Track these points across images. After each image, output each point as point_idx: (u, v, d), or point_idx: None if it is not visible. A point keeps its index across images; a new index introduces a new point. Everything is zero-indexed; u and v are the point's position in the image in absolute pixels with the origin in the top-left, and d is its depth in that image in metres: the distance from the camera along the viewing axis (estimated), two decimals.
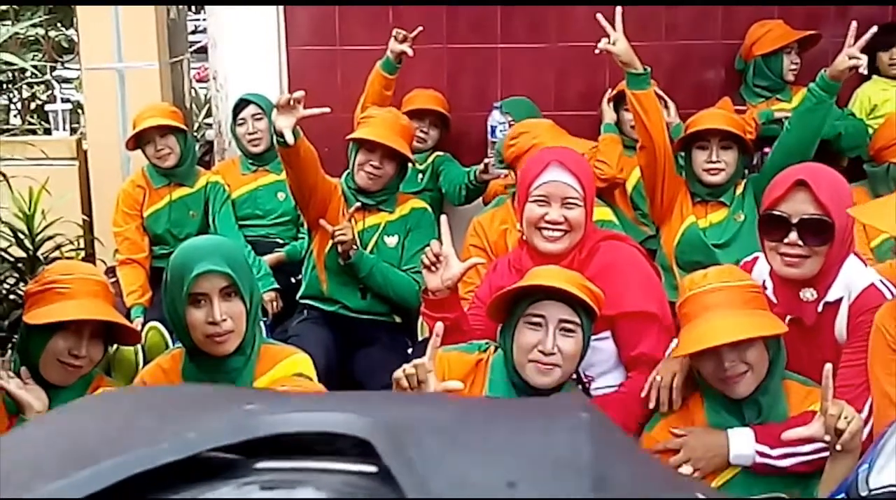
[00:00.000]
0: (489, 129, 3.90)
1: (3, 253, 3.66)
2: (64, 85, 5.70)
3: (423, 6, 4.14)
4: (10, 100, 5.64)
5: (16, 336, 2.69)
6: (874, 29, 3.18)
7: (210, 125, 5.00)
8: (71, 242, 3.96)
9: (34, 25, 5.23)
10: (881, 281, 2.31)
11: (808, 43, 4.05)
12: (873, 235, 3.22)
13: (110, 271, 3.86)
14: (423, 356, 2.10)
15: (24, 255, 3.73)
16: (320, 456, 0.66)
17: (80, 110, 5.15)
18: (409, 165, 3.46)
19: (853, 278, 2.32)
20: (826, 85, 3.08)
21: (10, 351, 2.87)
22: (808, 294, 2.33)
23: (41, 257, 3.71)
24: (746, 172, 3.49)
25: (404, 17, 4.06)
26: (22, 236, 3.73)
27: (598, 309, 2.28)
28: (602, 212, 3.29)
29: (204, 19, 5.55)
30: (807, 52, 4.06)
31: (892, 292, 2.28)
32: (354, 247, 3.27)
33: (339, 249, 3.25)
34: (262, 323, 2.85)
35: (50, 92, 5.58)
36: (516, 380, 2.28)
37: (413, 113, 3.91)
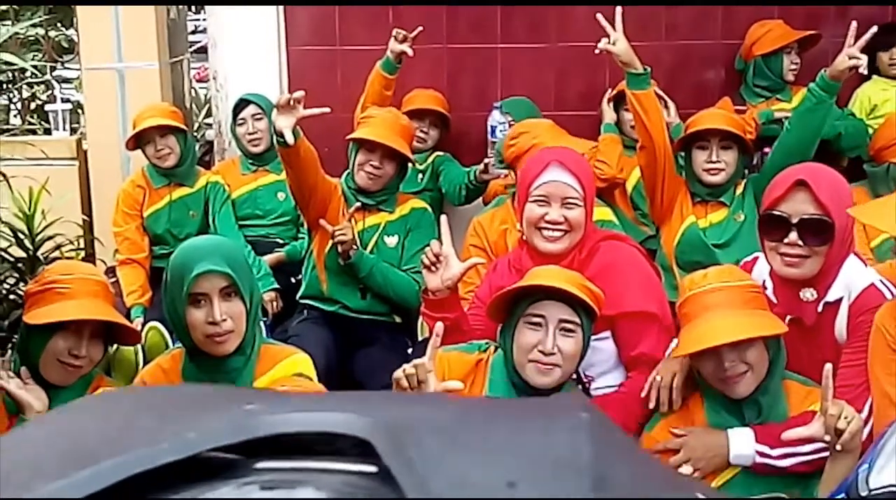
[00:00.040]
0: (489, 129, 3.90)
1: (3, 253, 3.66)
2: (64, 85, 5.71)
3: (423, 6, 4.14)
4: (10, 100, 5.64)
5: (16, 336, 2.69)
6: (874, 29, 3.18)
7: (210, 125, 5.00)
8: (71, 243, 3.95)
9: (34, 25, 5.23)
10: (881, 281, 2.31)
11: (808, 43, 4.05)
12: (873, 235, 3.23)
13: (110, 271, 3.86)
14: (423, 356, 2.10)
15: (24, 255, 3.73)
16: (320, 456, 0.66)
17: (80, 110, 5.15)
18: (409, 165, 3.46)
19: (853, 278, 2.32)
20: (826, 85, 3.08)
21: (10, 351, 2.87)
22: (808, 294, 2.33)
23: (41, 257, 3.71)
24: (746, 172, 3.49)
25: (404, 17, 4.06)
26: (22, 236, 3.73)
27: (598, 309, 2.28)
28: (602, 212, 3.29)
29: (204, 19, 5.55)
30: (807, 52, 4.06)
31: (892, 292, 2.28)
32: (354, 247, 3.27)
33: (339, 249, 3.25)
34: (262, 323, 2.85)
35: (50, 92, 5.59)
36: (516, 380, 2.28)
37: (413, 113, 3.91)
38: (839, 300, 2.32)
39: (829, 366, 1.97)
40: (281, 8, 4.25)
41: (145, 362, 2.96)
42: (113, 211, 3.96)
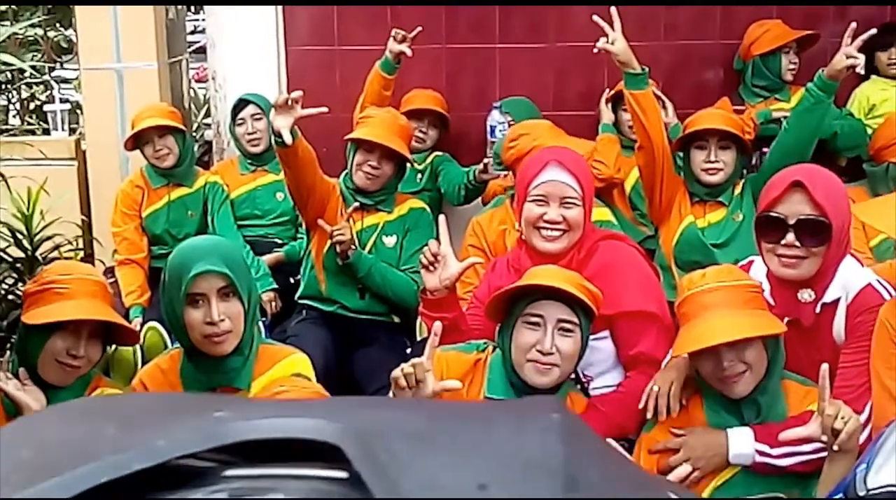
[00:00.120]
0: (489, 129, 3.91)
1: (1, 253, 3.67)
2: (63, 85, 5.69)
3: (422, 6, 4.14)
4: (8, 100, 5.63)
5: (14, 337, 2.70)
6: (873, 31, 3.18)
7: (209, 125, 5.00)
8: (70, 243, 3.96)
9: (33, 26, 5.22)
10: (878, 281, 2.32)
11: (806, 43, 4.05)
12: (872, 235, 3.22)
13: (109, 272, 3.86)
14: (422, 356, 2.10)
15: (22, 255, 3.74)
16: (291, 463, 0.66)
17: (78, 111, 5.14)
18: (408, 165, 3.46)
19: (850, 278, 2.32)
20: (824, 85, 3.08)
21: (8, 352, 2.87)
22: (806, 295, 2.33)
23: (40, 258, 3.72)
24: (745, 171, 3.49)
25: (403, 18, 4.06)
26: (20, 237, 3.74)
27: (597, 309, 2.28)
28: (601, 212, 3.30)
29: (203, 19, 5.54)
30: (805, 51, 4.06)
31: (889, 292, 2.28)
32: (353, 247, 3.27)
33: (338, 249, 3.25)
34: (260, 323, 2.86)
35: (49, 92, 5.57)
36: (515, 380, 2.28)
37: (412, 113, 3.91)
38: (837, 301, 2.32)
39: (825, 366, 1.98)
40: (280, 8, 4.25)
41: (144, 363, 2.96)
42: (112, 211, 3.95)
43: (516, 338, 2.25)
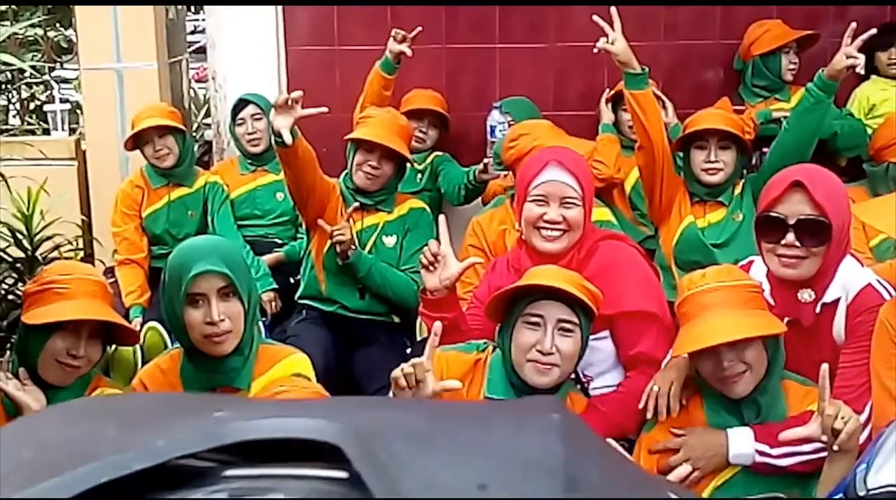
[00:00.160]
0: (489, 129, 3.91)
1: (1, 253, 3.67)
2: (63, 85, 5.70)
3: (422, 6, 4.14)
4: (8, 100, 5.63)
5: (14, 337, 2.69)
6: (873, 31, 3.18)
7: (209, 125, 5.00)
8: (70, 243, 3.96)
9: (33, 26, 5.22)
10: (878, 281, 2.32)
11: (806, 43, 4.05)
12: (872, 235, 3.22)
13: (109, 272, 3.86)
14: (422, 356, 2.10)
15: (22, 255, 3.74)
16: (291, 463, 0.66)
17: (78, 111, 5.14)
18: (408, 165, 3.46)
19: (850, 278, 2.32)
20: (824, 84, 3.08)
21: (8, 352, 2.87)
22: (806, 295, 2.33)
23: (40, 258, 3.72)
24: (745, 171, 3.49)
25: (403, 18, 4.06)
26: (20, 237, 3.74)
27: (597, 309, 2.28)
28: (601, 212, 3.30)
29: (203, 19, 5.54)
30: (805, 51, 4.06)
31: (889, 292, 2.28)
32: (353, 247, 3.27)
33: (338, 249, 3.25)
34: (260, 323, 2.86)
35: (49, 92, 5.57)
36: (515, 380, 2.28)
37: (412, 113, 3.91)
38: (837, 301, 2.32)
39: (825, 366, 1.98)
40: (280, 8, 4.25)
41: (144, 363, 2.96)
42: (112, 211, 3.95)
43: (516, 338, 2.25)
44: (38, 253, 3.76)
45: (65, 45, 5.79)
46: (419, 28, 3.75)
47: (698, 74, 4.30)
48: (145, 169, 3.95)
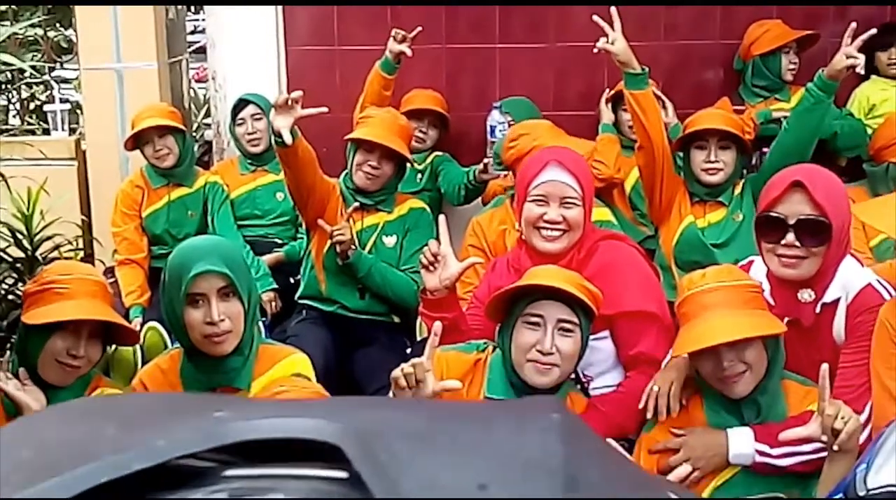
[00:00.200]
0: (489, 128, 3.91)
1: (1, 253, 3.67)
2: (63, 85, 5.70)
3: (422, 6, 4.14)
4: (8, 100, 5.63)
5: (14, 337, 2.70)
6: (873, 31, 3.18)
7: (209, 125, 5.00)
8: (70, 243, 3.96)
9: (33, 26, 5.22)
10: (878, 281, 2.31)
11: (806, 43, 4.05)
12: (872, 235, 3.22)
13: (109, 272, 3.86)
14: (422, 356, 2.10)
15: (22, 255, 3.74)
16: (291, 463, 0.66)
17: (78, 111, 5.14)
18: (408, 165, 3.46)
19: (850, 278, 2.32)
20: (824, 84, 3.08)
21: (8, 352, 2.87)
22: (806, 295, 2.33)
23: (40, 258, 3.72)
24: (745, 171, 3.49)
25: (403, 18, 4.06)
26: (20, 237, 3.74)
27: (597, 309, 2.28)
28: (601, 212, 3.30)
29: (203, 19, 5.54)
30: (805, 51, 4.06)
31: (889, 292, 2.28)
32: (353, 247, 3.27)
33: (338, 249, 3.25)
34: (260, 323, 2.85)
35: (49, 92, 5.57)
36: (515, 380, 2.28)
37: (412, 113, 3.91)
38: (837, 301, 2.32)
39: (825, 366, 1.98)
40: (280, 8, 4.25)
41: (144, 363, 2.96)
42: (112, 211, 3.96)
43: (516, 338, 2.25)
44: (38, 253, 3.76)
45: (65, 45, 5.79)
46: (419, 28, 3.75)
47: (698, 74, 4.30)
48: (145, 169, 3.95)
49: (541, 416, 0.75)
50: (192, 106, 5.45)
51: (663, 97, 3.82)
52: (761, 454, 2.14)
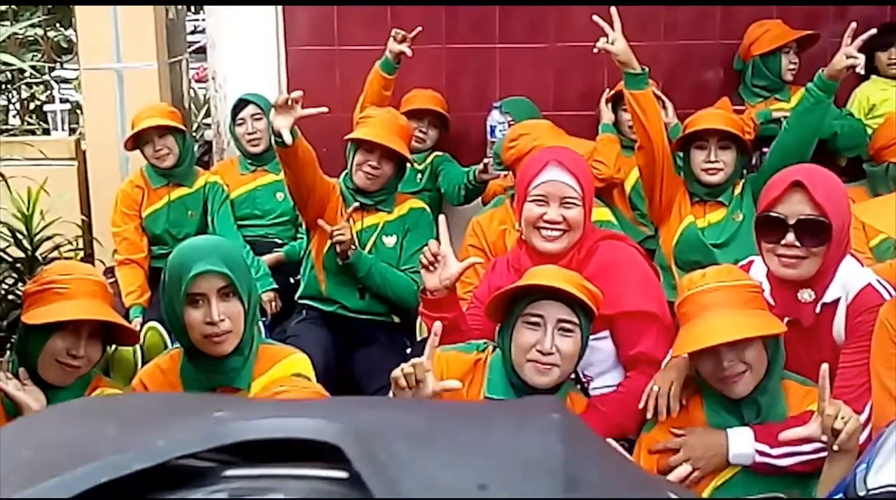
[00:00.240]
0: (489, 128, 3.91)
1: (1, 253, 3.67)
2: (63, 85, 5.70)
3: (422, 6, 4.14)
4: (8, 100, 5.63)
5: (14, 337, 2.69)
6: (873, 31, 3.18)
7: (209, 125, 5.00)
8: (70, 243, 3.96)
9: (33, 26, 5.22)
10: (878, 281, 2.31)
11: (806, 43, 4.05)
12: (872, 235, 3.23)
13: (109, 272, 3.86)
14: (422, 356, 2.10)
15: (22, 255, 3.74)
16: (291, 463, 0.66)
17: (78, 111, 5.14)
18: (408, 165, 3.46)
19: (850, 278, 2.32)
20: (824, 84, 3.08)
21: (8, 352, 2.87)
22: (806, 295, 2.33)
23: (40, 258, 3.72)
24: (745, 171, 3.49)
25: (403, 18, 4.06)
26: (20, 237, 3.74)
27: (597, 309, 2.28)
28: (601, 212, 3.30)
29: (203, 19, 5.54)
30: (805, 51, 4.06)
31: (889, 292, 2.28)
32: (353, 247, 3.27)
33: (338, 249, 3.25)
34: (260, 323, 2.85)
35: (49, 92, 5.58)
36: (515, 380, 2.28)
37: (412, 113, 3.91)
38: (837, 301, 2.32)
39: (825, 366, 1.97)
40: (280, 8, 4.25)
41: (144, 363, 2.96)
42: (112, 211, 3.96)
43: (516, 338, 2.25)
44: (38, 253, 3.76)
45: (65, 45, 5.79)
46: (419, 28, 3.75)
47: (698, 74, 4.30)
48: (145, 169, 3.95)
49: (541, 416, 0.75)
50: (192, 106, 5.45)
51: (663, 97, 3.82)
52: (761, 454, 2.14)
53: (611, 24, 3.06)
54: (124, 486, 0.63)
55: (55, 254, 3.82)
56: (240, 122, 4.07)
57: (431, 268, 2.53)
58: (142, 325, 3.48)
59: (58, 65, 5.45)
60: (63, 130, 4.94)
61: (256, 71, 4.25)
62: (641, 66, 3.08)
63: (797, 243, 2.26)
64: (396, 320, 3.46)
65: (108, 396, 2.18)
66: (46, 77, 5.48)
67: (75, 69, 4.91)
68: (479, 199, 3.93)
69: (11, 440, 0.77)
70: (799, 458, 2.12)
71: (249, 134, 4.05)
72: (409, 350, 3.10)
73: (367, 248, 3.36)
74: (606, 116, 3.99)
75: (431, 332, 2.19)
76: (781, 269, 2.30)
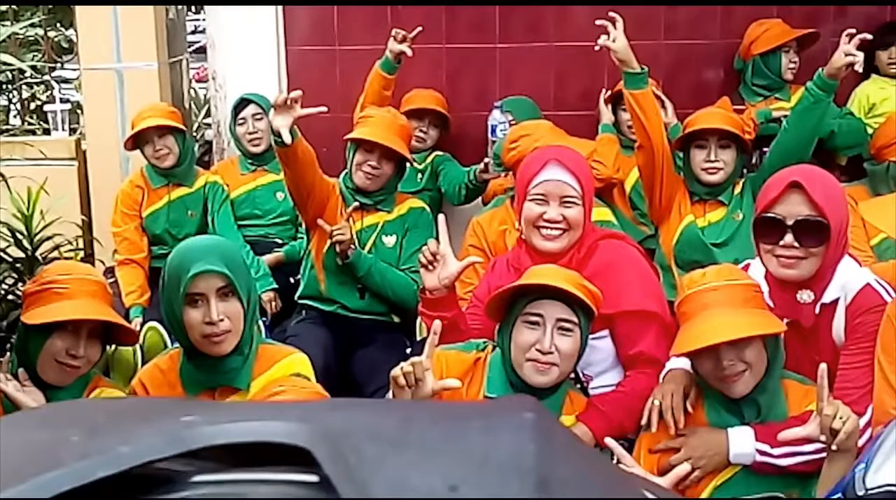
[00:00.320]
0: (489, 128, 3.90)
1: (1, 253, 3.67)
2: (63, 85, 5.70)
3: (422, 6, 4.14)
4: (9, 100, 5.63)
5: (14, 337, 2.69)
6: (868, 36, 3.17)
7: (209, 125, 5.00)
8: (70, 243, 3.96)
9: (33, 25, 5.22)
10: (876, 281, 2.31)
11: (806, 42, 4.04)
12: (873, 233, 3.22)
13: (109, 272, 3.86)
14: (421, 355, 2.10)
15: (22, 255, 3.74)
16: (261, 467, 0.65)
17: (79, 111, 5.14)
18: (408, 164, 3.46)
19: (849, 278, 2.31)
20: (823, 83, 3.08)
21: (8, 352, 2.87)
22: (805, 296, 2.33)
23: (39, 258, 3.72)
24: (745, 171, 3.49)
25: (403, 17, 4.06)
26: (20, 237, 3.74)
27: (596, 308, 2.28)
28: (601, 212, 3.30)
29: (203, 19, 5.54)
30: (805, 51, 4.05)
31: (888, 292, 2.27)
32: (352, 247, 3.27)
33: (338, 248, 3.25)
34: (260, 323, 2.85)
35: (49, 92, 5.58)
36: (514, 379, 2.28)
37: (412, 113, 3.91)
38: (836, 301, 2.32)
39: (823, 366, 1.97)
40: (280, 8, 4.25)
41: (143, 363, 2.96)
42: (112, 211, 3.95)
43: (516, 337, 2.25)
44: (38, 253, 3.76)
45: (65, 45, 5.79)
46: (419, 28, 3.75)
47: (698, 74, 4.30)
48: (145, 169, 3.95)
49: (513, 415, 0.74)
50: (192, 106, 5.45)
51: (663, 97, 3.82)
52: (762, 453, 2.14)
53: (612, 24, 3.06)
54: (90, 494, 0.62)
55: (55, 254, 3.82)
56: (241, 121, 4.07)
57: (430, 267, 2.53)
58: (142, 325, 3.48)
59: (58, 65, 5.45)
60: (63, 130, 4.94)
61: (256, 71, 4.25)
62: (641, 66, 3.07)
63: (796, 244, 2.26)
64: (396, 319, 3.46)
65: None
66: (47, 77, 5.48)
67: (75, 69, 4.91)
68: (480, 199, 3.93)
69: None
70: (800, 458, 2.12)
71: (250, 134, 4.05)
72: (408, 350, 3.10)
73: (367, 247, 3.36)
74: (606, 116, 3.99)
75: (431, 331, 2.19)
76: (780, 269, 2.30)
